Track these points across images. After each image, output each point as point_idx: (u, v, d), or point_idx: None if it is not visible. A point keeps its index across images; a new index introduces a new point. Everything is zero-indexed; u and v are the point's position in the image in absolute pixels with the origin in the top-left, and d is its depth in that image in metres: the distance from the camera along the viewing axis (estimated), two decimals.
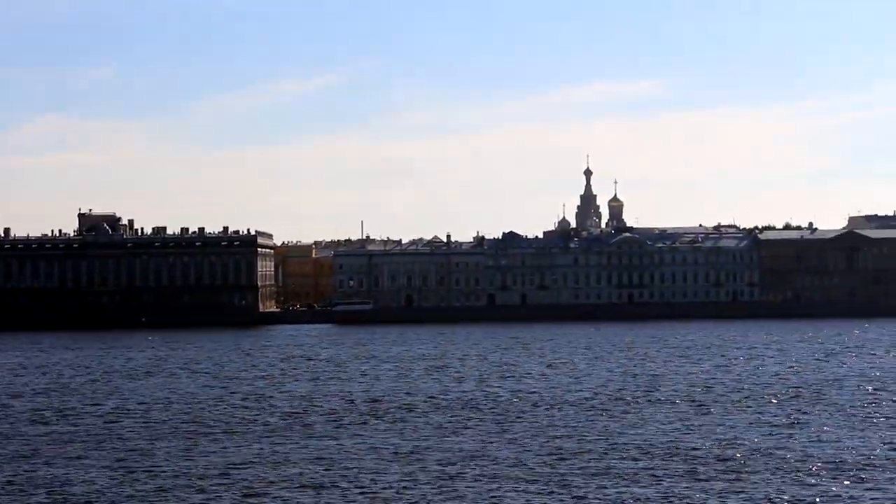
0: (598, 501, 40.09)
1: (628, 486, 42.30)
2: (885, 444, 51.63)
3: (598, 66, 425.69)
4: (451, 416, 64.06)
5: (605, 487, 42.19)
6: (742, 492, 41.02)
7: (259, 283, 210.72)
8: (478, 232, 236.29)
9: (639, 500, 40.00)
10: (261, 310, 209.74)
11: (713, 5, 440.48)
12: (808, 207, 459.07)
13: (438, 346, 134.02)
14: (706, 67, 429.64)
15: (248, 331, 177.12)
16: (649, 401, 70.82)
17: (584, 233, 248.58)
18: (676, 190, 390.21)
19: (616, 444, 52.55)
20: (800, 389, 76.45)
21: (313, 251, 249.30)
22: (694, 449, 50.75)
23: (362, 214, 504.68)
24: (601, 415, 64.10)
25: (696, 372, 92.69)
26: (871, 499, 39.60)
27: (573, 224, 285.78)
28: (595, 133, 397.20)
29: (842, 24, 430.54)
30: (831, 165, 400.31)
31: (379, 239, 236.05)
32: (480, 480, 43.90)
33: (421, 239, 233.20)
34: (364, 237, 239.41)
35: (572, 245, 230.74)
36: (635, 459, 48.02)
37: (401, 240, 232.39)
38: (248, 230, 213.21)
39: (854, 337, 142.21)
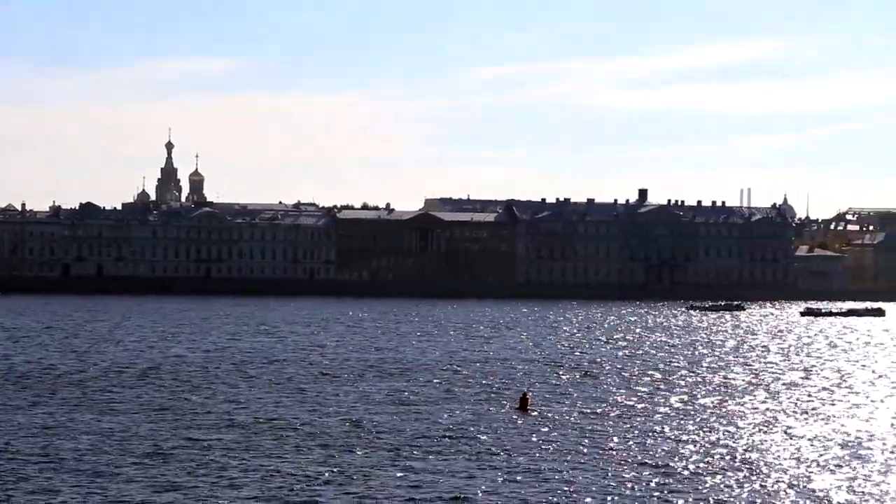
0: (182, 468, 40.14)
1: (212, 456, 42.53)
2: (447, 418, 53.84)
3: (181, 41, 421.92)
4: (36, 389, 62.47)
5: (194, 453, 42.32)
6: (335, 464, 41.95)
7: None
8: (54, 202, 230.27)
9: (226, 469, 40.30)
10: None
11: None
12: (387, 188, 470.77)
13: (22, 317, 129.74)
14: (289, 46, 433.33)
15: None
16: (239, 376, 71.12)
17: (164, 206, 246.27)
18: (257, 167, 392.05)
19: (205, 416, 52.65)
20: (394, 366, 78.57)
21: None
22: (280, 419, 51.49)
23: None
24: (188, 387, 63.93)
25: (283, 347, 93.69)
26: (448, 470, 41.36)
27: (153, 197, 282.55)
28: (177, 107, 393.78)
29: (430, 9, 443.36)
30: (410, 148, 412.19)
31: None
32: (70, 453, 43.10)
33: None
34: None
35: (151, 218, 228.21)
36: (223, 430, 48.29)
37: None
38: None
39: (434, 316, 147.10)
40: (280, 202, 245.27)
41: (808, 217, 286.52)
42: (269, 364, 79.03)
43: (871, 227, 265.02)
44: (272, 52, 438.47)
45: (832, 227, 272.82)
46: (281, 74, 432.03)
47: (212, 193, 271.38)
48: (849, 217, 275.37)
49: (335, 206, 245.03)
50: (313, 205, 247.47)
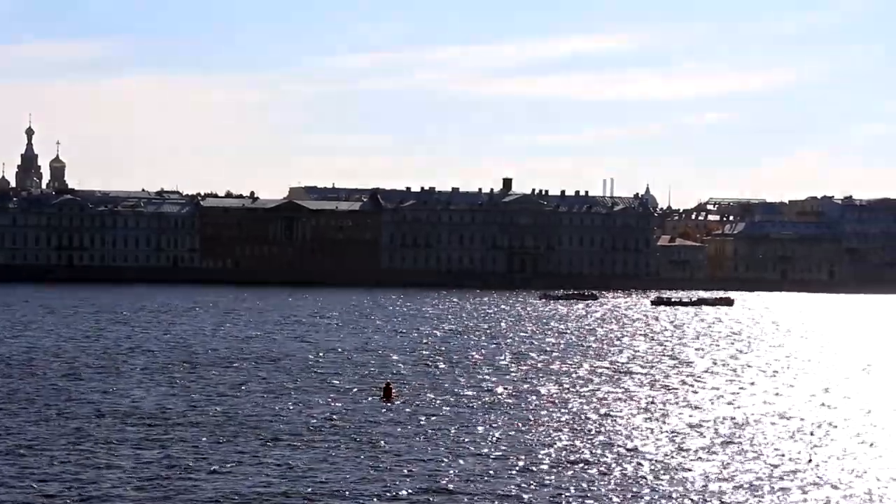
0: (52, 460, 40.53)
1: (82, 447, 42.95)
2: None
3: (42, 25, 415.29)
4: None
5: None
6: (202, 454, 42.63)
7: None
8: None
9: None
10: None
11: None
12: (251, 176, 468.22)
13: None
14: (153, 33, 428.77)
15: None
16: (108, 367, 71.06)
17: (24, 193, 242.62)
18: (120, 154, 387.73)
19: (75, 407, 52.82)
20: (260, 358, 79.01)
21: None
22: (149, 409, 51.93)
23: None
24: (56, 378, 63.80)
25: (149, 337, 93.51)
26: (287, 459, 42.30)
27: (13, 184, 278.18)
28: (38, 92, 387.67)
29: None
30: (274, 136, 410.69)
31: None
32: None
33: None
34: None
35: (11, 205, 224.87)
36: (93, 421, 48.60)
37: None
38: None
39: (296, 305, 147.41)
40: (143, 190, 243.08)
41: (669, 207, 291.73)
42: (136, 354, 79.05)
43: (731, 218, 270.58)
44: (135, 39, 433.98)
45: (693, 217, 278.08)
46: (144, 61, 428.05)
47: (73, 181, 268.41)
48: (710, 207, 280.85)
49: (199, 194, 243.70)
50: (177, 193, 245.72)
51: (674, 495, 37.86)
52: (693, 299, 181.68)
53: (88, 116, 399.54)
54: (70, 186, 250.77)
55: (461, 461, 42.32)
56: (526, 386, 65.31)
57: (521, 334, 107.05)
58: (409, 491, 37.65)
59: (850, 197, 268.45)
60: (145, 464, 40.76)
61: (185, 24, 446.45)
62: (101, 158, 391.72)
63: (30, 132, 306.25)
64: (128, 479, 38.43)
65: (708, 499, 37.59)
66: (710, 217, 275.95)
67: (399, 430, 48.86)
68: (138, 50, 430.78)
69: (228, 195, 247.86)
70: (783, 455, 45.07)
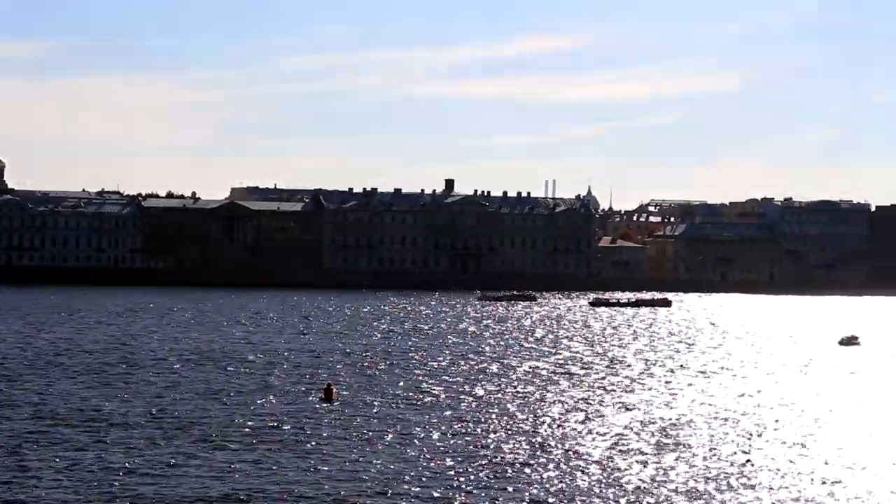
0: None
1: (15, 447, 42.76)
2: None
3: None
4: None
5: None
6: (138, 455, 42.53)
7: None
8: None
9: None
10: None
11: None
12: (193, 177, 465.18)
13: None
14: (94, 32, 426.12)
15: None
16: (45, 367, 70.66)
17: None
18: (61, 154, 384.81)
19: (9, 407, 52.55)
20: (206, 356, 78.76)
21: None
22: (85, 409, 51.70)
23: None
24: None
25: (89, 337, 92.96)
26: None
27: None
28: None
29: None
30: (216, 136, 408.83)
31: None
32: None
33: None
34: None
35: None
36: (27, 422, 48.38)
37: None
38: None
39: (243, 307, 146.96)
40: (84, 190, 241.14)
41: (611, 208, 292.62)
42: (73, 354, 78.57)
43: (672, 219, 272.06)
44: (77, 38, 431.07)
45: (634, 218, 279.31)
46: (85, 61, 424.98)
47: (13, 181, 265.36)
48: (651, 209, 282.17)
49: (140, 195, 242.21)
50: (118, 193, 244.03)
51: (611, 496, 38.16)
52: (631, 300, 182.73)
53: (29, 116, 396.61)
54: (10, 186, 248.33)
55: (400, 463, 42.44)
56: (465, 387, 65.55)
57: (461, 335, 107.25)
58: (348, 492, 37.71)
59: (790, 199, 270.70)
60: (82, 466, 40.57)
61: (128, 25, 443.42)
62: (42, 158, 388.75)
63: None
64: (64, 481, 38.25)
65: (644, 500, 37.90)
66: (652, 218, 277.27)
67: (339, 431, 48.92)
68: (80, 50, 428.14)
69: (170, 195, 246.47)
70: (719, 456, 45.49)
